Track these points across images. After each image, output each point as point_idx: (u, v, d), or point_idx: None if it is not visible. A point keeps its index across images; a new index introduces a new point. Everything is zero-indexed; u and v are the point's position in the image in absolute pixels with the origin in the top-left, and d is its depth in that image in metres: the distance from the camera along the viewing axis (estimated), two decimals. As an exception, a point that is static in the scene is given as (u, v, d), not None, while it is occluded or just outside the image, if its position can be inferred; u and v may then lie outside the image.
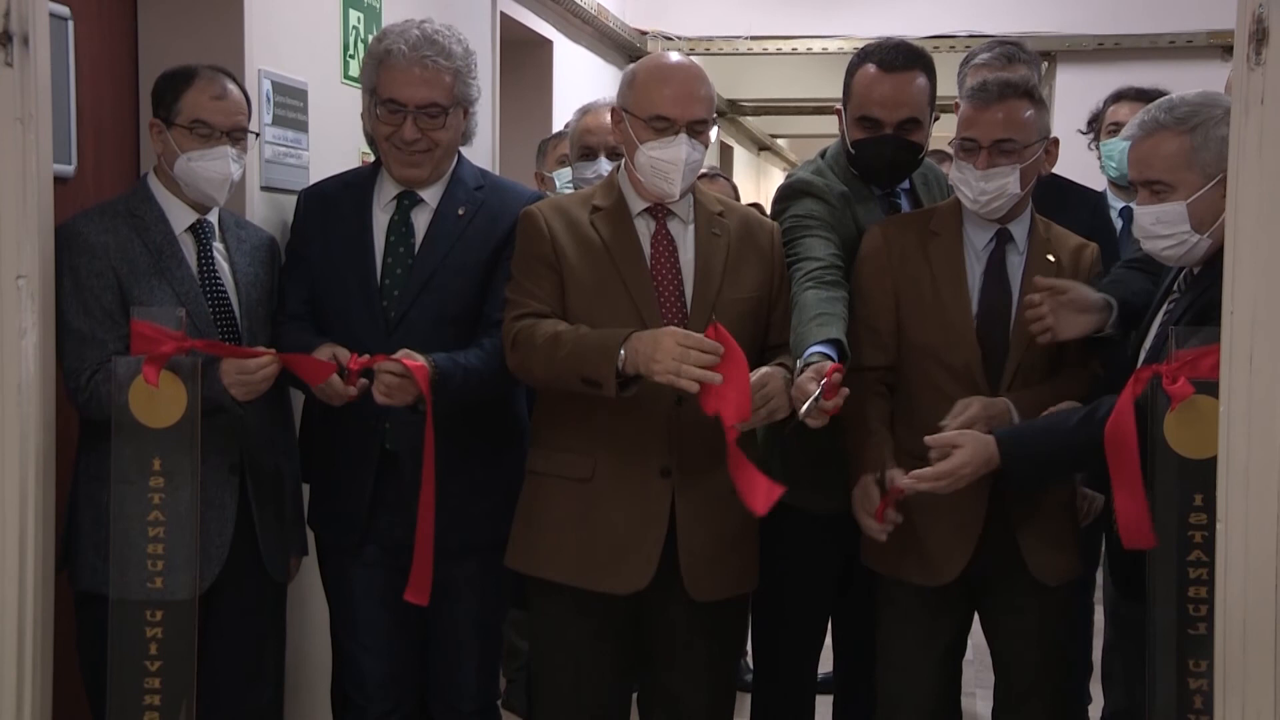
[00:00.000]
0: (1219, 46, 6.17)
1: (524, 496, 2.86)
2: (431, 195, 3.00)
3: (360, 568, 2.99)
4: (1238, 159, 2.10)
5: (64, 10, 3.00)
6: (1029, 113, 2.85)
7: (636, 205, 2.84)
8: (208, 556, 2.76)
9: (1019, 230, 2.92)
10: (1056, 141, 2.93)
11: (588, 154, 3.78)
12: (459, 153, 3.09)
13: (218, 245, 2.91)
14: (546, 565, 2.80)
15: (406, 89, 2.90)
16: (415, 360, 2.75)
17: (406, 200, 3.00)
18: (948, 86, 3.04)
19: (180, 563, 2.61)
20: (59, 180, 2.76)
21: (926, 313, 2.91)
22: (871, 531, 2.80)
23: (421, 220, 2.99)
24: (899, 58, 3.07)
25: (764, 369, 2.69)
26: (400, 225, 2.98)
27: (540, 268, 2.78)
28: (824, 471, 2.99)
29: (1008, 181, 2.83)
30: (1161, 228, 2.58)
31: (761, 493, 2.58)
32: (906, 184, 3.26)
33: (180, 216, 2.86)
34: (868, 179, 3.18)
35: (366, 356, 2.77)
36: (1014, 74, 2.87)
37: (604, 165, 3.68)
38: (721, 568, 2.81)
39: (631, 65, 2.92)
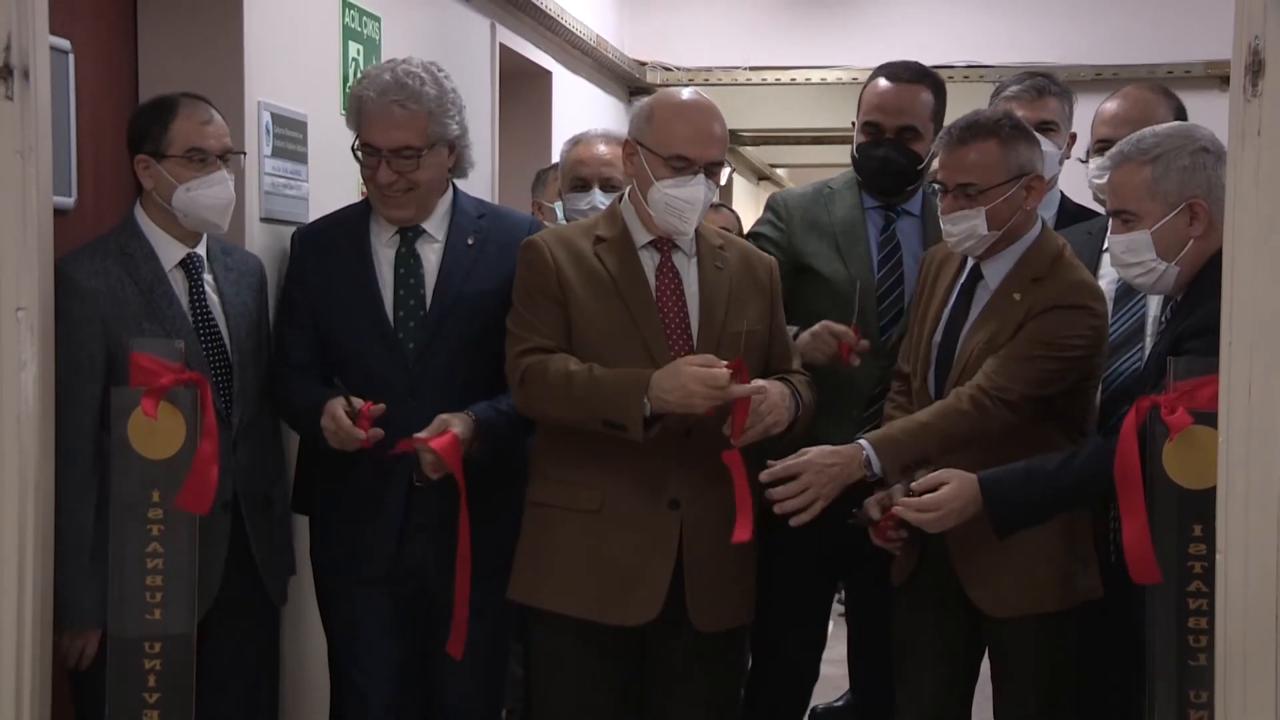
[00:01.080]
0: (1217, 77, 6.19)
1: (527, 528, 2.85)
2: (435, 228, 3.01)
3: (366, 595, 2.98)
4: (1234, 189, 2.11)
5: (65, 43, 3.01)
6: (995, 154, 2.83)
7: (641, 237, 2.85)
8: (201, 589, 2.73)
9: (993, 268, 2.90)
10: (1039, 178, 2.89)
11: (580, 185, 3.76)
12: (453, 185, 3.09)
13: (207, 278, 2.90)
14: (553, 597, 2.79)
15: (378, 133, 2.92)
16: (446, 432, 2.78)
17: (410, 233, 3.01)
18: (951, 118, 3.07)
19: (179, 595, 2.61)
20: (58, 212, 2.76)
21: (915, 335, 3.01)
22: (889, 549, 2.86)
23: (429, 252, 3.00)
24: (906, 72, 3.31)
25: (761, 383, 2.71)
26: (408, 258, 2.99)
27: (543, 300, 2.78)
28: None
29: (974, 224, 2.83)
30: (1130, 255, 2.66)
31: (746, 522, 2.67)
32: (917, 210, 3.32)
33: (170, 252, 2.84)
34: (868, 185, 3.30)
35: (380, 405, 2.80)
36: (991, 116, 2.88)
37: (598, 197, 3.68)
38: (724, 598, 2.83)
39: (648, 99, 2.93)
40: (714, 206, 4.75)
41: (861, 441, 2.75)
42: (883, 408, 3.11)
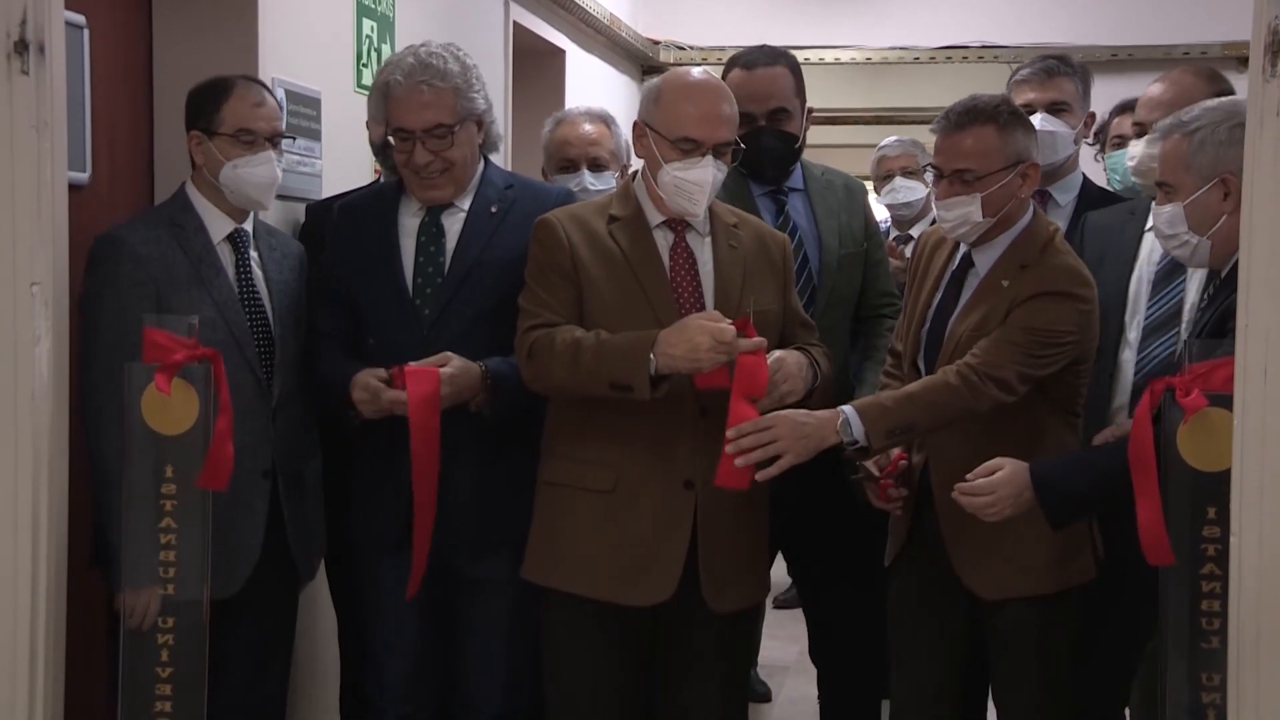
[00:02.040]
0: (1234, 58, 6.16)
1: (540, 507, 2.85)
2: (462, 199, 3.03)
3: (392, 569, 2.98)
4: (1252, 171, 2.09)
5: (79, 19, 3.01)
6: (993, 140, 2.80)
7: (655, 217, 2.84)
8: (238, 559, 2.84)
9: (983, 257, 2.89)
10: (1035, 166, 2.86)
11: (568, 166, 3.69)
12: (484, 159, 3.10)
13: (252, 254, 2.97)
14: (568, 578, 2.79)
15: (409, 115, 2.93)
16: (435, 364, 2.79)
17: (437, 206, 3.02)
18: (945, 98, 3.04)
19: (191, 569, 2.62)
20: (73, 188, 2.77)
21: (907, 317, 3.02)
22: (889, 509, 2.87)
23: (453, 222, 3.01)
24: (760, 56, 3.38)
25: (779, 353, 2.71)
26: (430, 226, 3.00)
27: (556, 278, 2.77)
28: None
29: (969, 210, 2.81)
30: (1168, 228, 2.66)
31: (730, 470, 2.63)
32: (800, 184, 3.33)
33: (218, 226, 2.93)
34: (754, 173, 3.32)
35: (407, 365, 2.81)
36: (990, 101, 2.87)
37: (587, 177, 3.63)
38: (739, 579, 2.82)
39: (655, 80, 2.91)
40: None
41: (843, 408, 2.72)
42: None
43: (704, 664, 2.85)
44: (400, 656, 3.01)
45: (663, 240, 2.84)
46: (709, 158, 2.75)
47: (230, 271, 2.92)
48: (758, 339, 2.64)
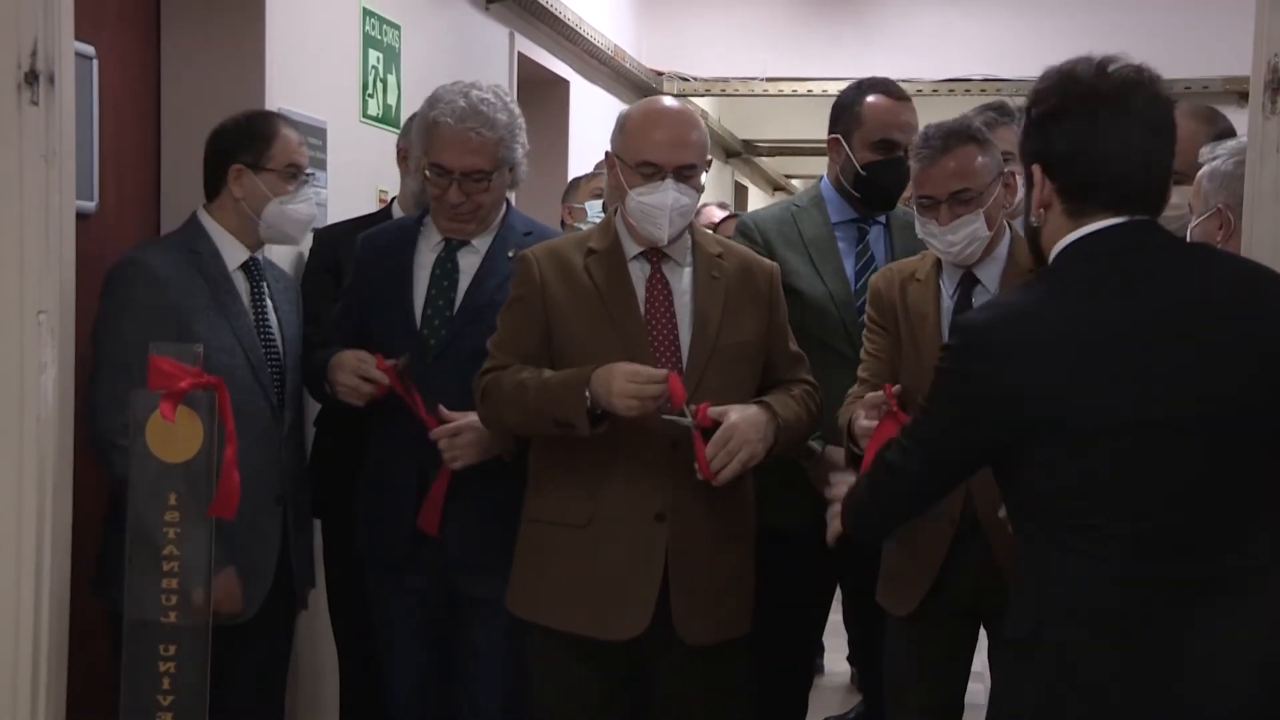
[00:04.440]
0: (1235, 93, 6.20)
1: (522, 542, 2.84)
2: (480, 242, 3.07)
3: (401, 591, 3.04)
4: (1252, 205, 2.11)
5: (89, 49, 3.03)
6: (979, 157, 2.85)
7: (632, 249, 2.82)
8: (253, 583, 2.86)
9: (988, 272, 2.91)
10: (1014, 174, 2.86)
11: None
12: (508, 202, 3.14)
13: (263, 284, 3.00)
14: (547, 612, 2.77)
15: (451, 156, 2.97)
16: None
17: (455, 241, 3.06)
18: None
19: (194, 597, 2.61)
20: (80, 216, 2.78)
21: (906, 353, 2.95)
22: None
23: (468, 261, 3.05)
24: (897, 89, 3.37)
25: (733, 417, 2.66)
26: (446, 261, 3.05)
27: (522, 316, 2.78)
28: (790, 493, 3.09)
29: (975, 228, 2.84)
30: None
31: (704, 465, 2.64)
32: (883, 219, 3.36)
33: (233, 254, 2.94)
34: (873, 202, 3.32)
35: (401, 360, 2.92)
36: (961, 122, 2.91)
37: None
38: (714, 612, 2.78)
39: (625, 110, 2.94)
40: (734, 215, 4.80)
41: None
42: None
43: (685, 698, 2.80)
44: (405, 673, 3.06)
45: (639, 272, 2.81)
46: (669, 181, 2.74)
47: (245, 300, 2.94)
48: (718, 411, 2.63)
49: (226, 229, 2.94)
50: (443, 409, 2.90)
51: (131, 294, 2.77)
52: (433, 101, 3.03)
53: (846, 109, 3.39)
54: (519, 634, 2.93)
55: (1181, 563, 1.92)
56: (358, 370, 2.94)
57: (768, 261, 2.99)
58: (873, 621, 3.19)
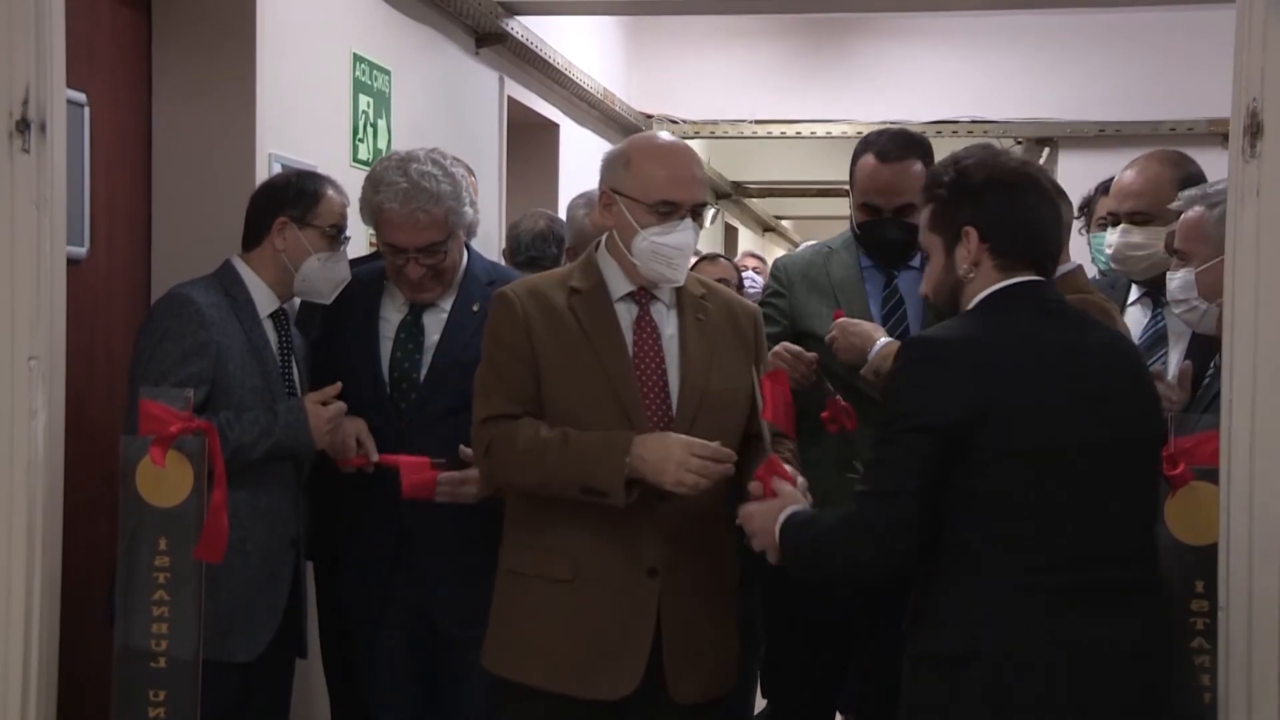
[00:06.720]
0: (1219, 134, 6.23)
1: (499, 596, 2.75)
2: (445, 300, 3.07)
3: (383, 638, 3.05)
4: (1234, 248, 2.13)
5: (81, 97, 3.05)
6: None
7: (619, 289, 2.73)
8: (261, 624, 2.87)
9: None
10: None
11: None
12: (468, 247, 3.14)
13: (290, 333, 3.03)
14: (528, 670, 2.67)
15: (403, 236, 2.97)
16: (428, 469, 2.91)
17: (420, 305, 3.07)
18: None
19: (183, 640, 2.61)
20: (71, 262, 2.80)
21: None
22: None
23: (434, 322, 3.05)
24: (895, 148, 3.22)
25: (746, 509, 2.54)
26: (411, 325, 3.06)
27: (510, 359, 2.67)
28: None
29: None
30: (1180, 292, 2.77)
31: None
32: (915, 260, 3.34)
33: (265, 302, 2.97)
34: (873, 256, 3.31)
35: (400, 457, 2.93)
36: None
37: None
38: (704, 669, 2.71)
39: (619, 146, 2.82)
40: (710, 257, 4.79)
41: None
42: None
43: None
44: (395, 716, 3.07)
45: (626, 314, 2.71)
46: (688, 220, 2.67)
47: (274, 346, 2.97)
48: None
49: (262, 278, 2.96)
50: (464, 449, 2.85)
51: (175, 325, 2.79)
52: (375, 184, 3.01)
53: (852, 163, 3.34)
54: (495, 694, 2.82)
55: (1105, 571, 2.16)
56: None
57: (750, 304, 2.95)
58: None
